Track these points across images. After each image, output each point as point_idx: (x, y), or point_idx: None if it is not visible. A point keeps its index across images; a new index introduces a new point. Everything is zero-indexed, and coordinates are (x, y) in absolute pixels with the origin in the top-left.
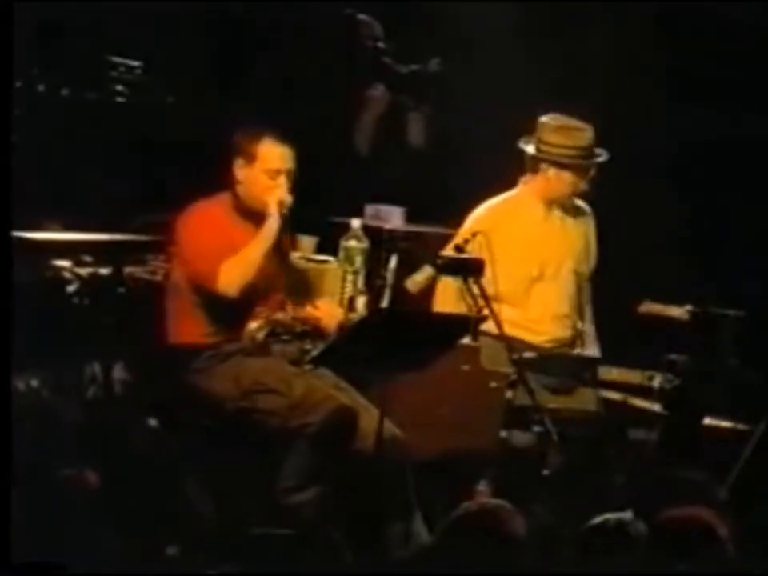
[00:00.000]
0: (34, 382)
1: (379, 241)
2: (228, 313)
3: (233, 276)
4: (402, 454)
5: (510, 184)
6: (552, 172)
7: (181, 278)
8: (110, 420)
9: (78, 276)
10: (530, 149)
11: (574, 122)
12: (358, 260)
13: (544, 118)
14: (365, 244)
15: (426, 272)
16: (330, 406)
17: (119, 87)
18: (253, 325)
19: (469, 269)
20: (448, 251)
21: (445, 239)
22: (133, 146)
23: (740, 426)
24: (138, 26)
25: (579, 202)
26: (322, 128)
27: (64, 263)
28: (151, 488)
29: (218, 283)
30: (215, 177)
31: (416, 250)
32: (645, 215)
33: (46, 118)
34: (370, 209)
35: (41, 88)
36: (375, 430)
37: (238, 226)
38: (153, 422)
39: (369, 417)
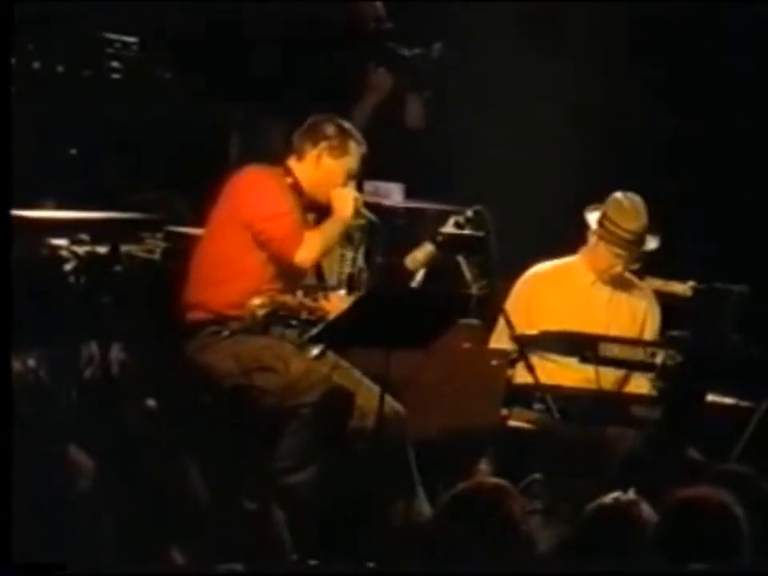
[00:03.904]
0: (31, 362)
1: (378, 217)
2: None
3: (313, 249)
4: (403, 431)
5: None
6: (602, 246)
7: (233, 232)
8: (107, 400)
9: (74, 254)
10: (592, 221)
11: (638, 205)
12: (357, 237)
13: (618, 195)
14: (364, 221)
15: (426, 249)
16: (326, 387)
17: (115, 64)
18: (256, 301)
19: (469, 246)
20: (448, 228)
21: (445, 216)
22: (129, 122)
23: (743, 403)
24: (134, 1)
25: (639, 284)
26: (321, 106)
27: (60, 242)
28: (149, 469)
29: (298, 252)
30: (212, 154)
31: (415, 227)
32: (645, 191)
33: (41, 95)
34: (369, 185)
35: (36, 65)
36: (376, 408)
37: (294, 204)
38: (151, 402)
39: (370, 395)
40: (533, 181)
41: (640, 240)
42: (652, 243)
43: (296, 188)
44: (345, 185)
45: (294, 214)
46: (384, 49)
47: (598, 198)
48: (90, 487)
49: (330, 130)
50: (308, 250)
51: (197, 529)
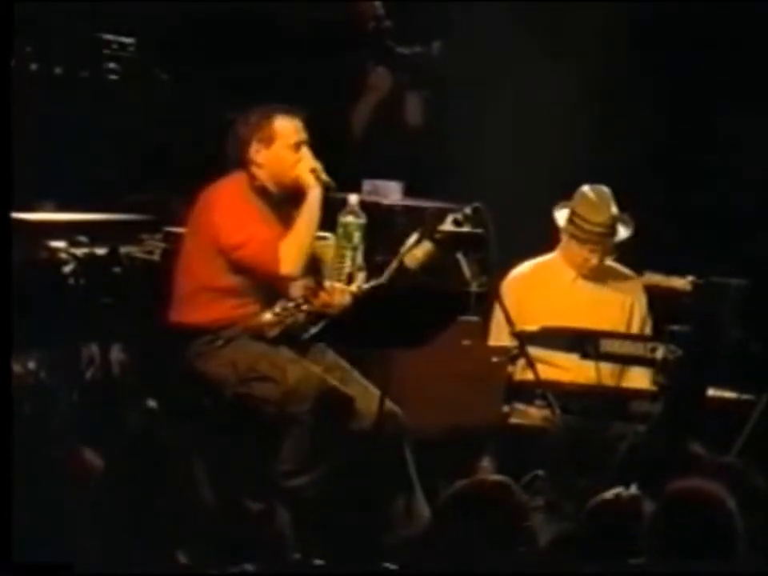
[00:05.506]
0: (31, 364)
1: (377, 216)
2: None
3: (293, 257)
4: (402, 432)
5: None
6: (574, 243)
7: (209, 255)
8: (108, 401)
9: (73, 256)
10: (560, 219)
11: (605, 197)
12: (356, 236)
13: (584, 188)
14: (362, 219)
15: (424, 247)
16: (324, 392)
17: (112, 65)
18: (267, 317)
19: (468, 243)
20: (447, 225)
21: (444, 213)
22: (127, 123)
23: (743, 397)
24: (131, 2)
25: (624, 272)
26: (319, 105)
27: (59, 244)
28: (149, 471)
29: (281, 269)
30: (211, 154)
31: (414, 225)
32: (644, 186)
33: (39, 96)
34: (367, 184)
35: (34, 66)
36: (375, 409)
37: (261, 206)
38: (152, 403)
39: (369, 396)
40: (532, 179)
41: (611, 231)
42: (623, 233)
43: (262, 190)
44: (298, 161)
45: (262, 231)
46: (383, 48)
47: None
48: (90, 488)
49: (253, 125)
50: (288, 262)
51: (199, 530)
